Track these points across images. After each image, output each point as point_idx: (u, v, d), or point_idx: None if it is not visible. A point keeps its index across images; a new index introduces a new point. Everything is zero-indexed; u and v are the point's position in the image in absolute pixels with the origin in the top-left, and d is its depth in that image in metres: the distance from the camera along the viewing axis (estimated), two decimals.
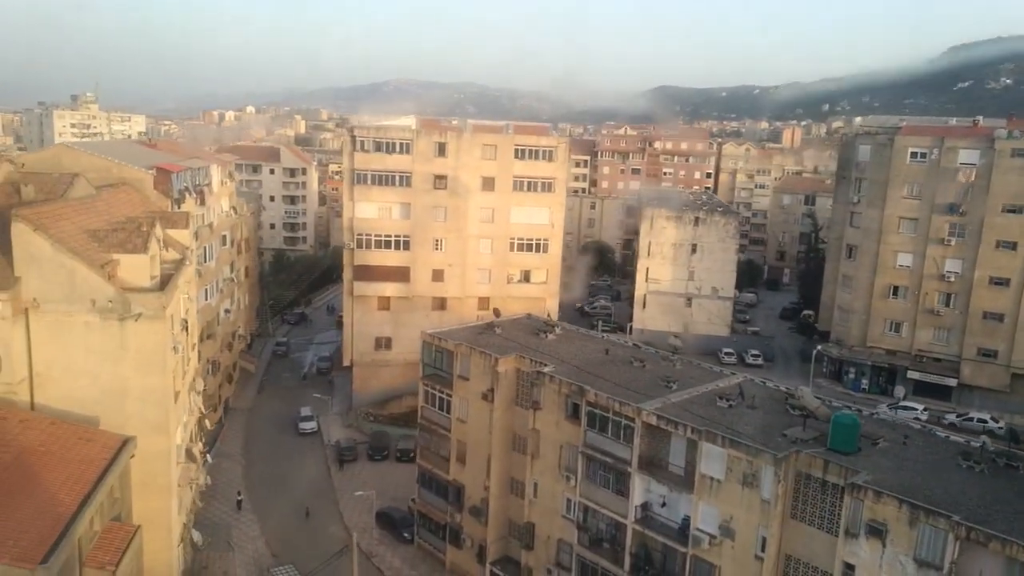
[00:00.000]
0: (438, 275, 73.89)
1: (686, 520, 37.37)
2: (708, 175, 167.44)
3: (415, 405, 74.46)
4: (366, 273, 72.68)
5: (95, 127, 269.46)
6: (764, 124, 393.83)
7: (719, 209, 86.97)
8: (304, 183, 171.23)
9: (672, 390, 41.31)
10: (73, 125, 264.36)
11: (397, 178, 71.20)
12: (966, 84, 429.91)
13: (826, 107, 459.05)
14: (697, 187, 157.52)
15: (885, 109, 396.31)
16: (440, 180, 71.77)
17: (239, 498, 57.48)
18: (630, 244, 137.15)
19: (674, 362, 46.36)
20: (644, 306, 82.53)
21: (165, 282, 37.43)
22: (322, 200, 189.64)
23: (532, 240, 74.62)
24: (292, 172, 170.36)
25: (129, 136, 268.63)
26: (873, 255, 71.24)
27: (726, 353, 77.05)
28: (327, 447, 67.96)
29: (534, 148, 73.24)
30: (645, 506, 39.18)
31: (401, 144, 70.70)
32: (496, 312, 53.84)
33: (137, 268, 36.18)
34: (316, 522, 55.97)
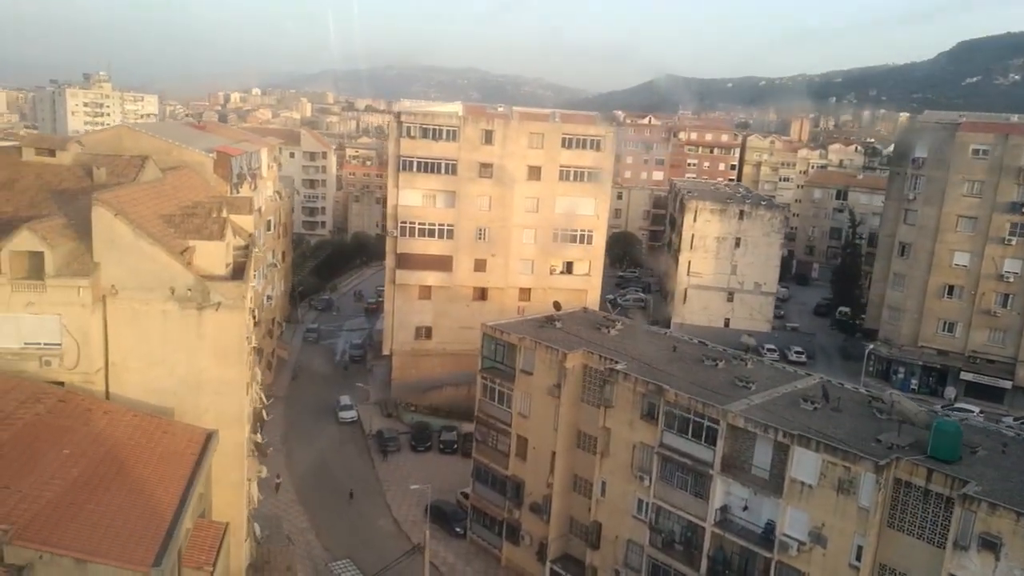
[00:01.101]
0: (480, 265, 72.74)
1: (770, 524, 36.44)
2: (733, 167, 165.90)
3: (456, 396, 74.39)
4: (408, 261, 71.53)
5: (107, 106, 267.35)
6: (772, 115, 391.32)
7: (763, 203, 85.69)
8: (324, 167, 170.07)
9: (751, 391, 40.26)
10: (85, 104, 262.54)
11: (443, 165, 69.90)
12: (974, 79, 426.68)
13: (833, 99, 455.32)
14: (721, 179, 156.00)
15: (892, 103, 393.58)
16: (486, 168, 70.50)
17: (277, 481, 56.68)
18: (656, 235, 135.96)
19: (746, 361, 45.27)
20: (685, 300, 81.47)
21: (237, 270, 36.33)
22: (338, 184, 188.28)
23: (576, 231, 73.39)
24: (312, 156, 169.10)
25: (141, 116, 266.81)
26: (928, 253, 69.99)
27: (768, 349, 75.91)
28: (368, 437, 67.08)
29: (581, 137, 71.89)
30: (725, 509, 38.25)
31: (448, 131, 69.36)
32: (557, 305, 52.74)
33: (213, 255, 34.96)
34: (365, 514, 55.17)
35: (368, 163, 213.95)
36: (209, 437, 30.83)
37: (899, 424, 35.28)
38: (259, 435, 45.34)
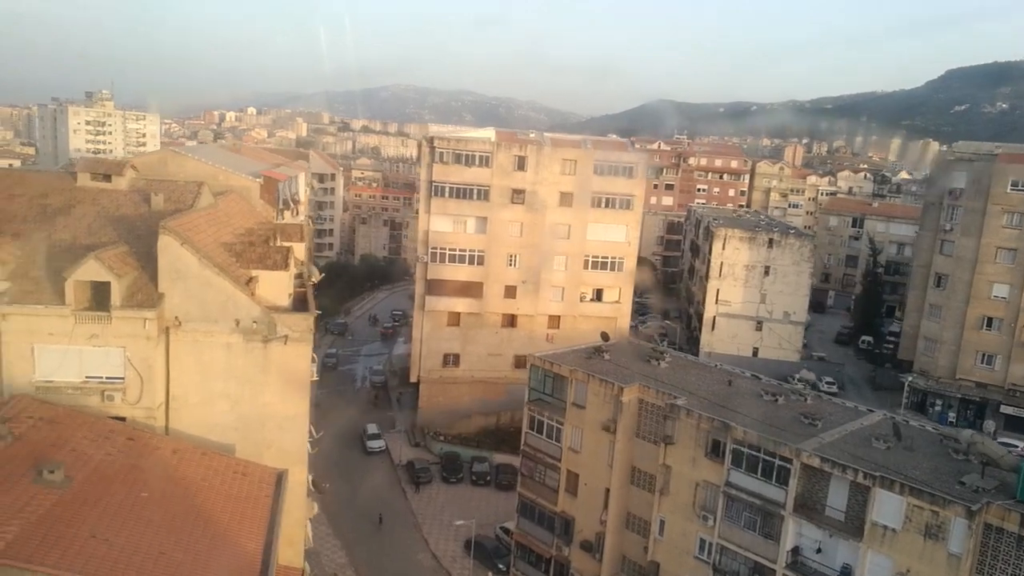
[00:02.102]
0: (510, 291, 71.80)
1: (846, 568, 35.24)
2: (742, 193, 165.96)
3: (485, 425, 73.15)
4: (438, 287, 70.51)
5: (109, 125, 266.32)
6: (766, 141, 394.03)
7: (791, 231, 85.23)
8: (332, 189, 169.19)
9: (818, 428, 39.21)
10: (88, 122, 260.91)
11: (475, 191, 69.15)
12: (963, 107, 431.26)
13: (824, 125, 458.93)
14: (730, 204, 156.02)
15: (882, 129, 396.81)
16: (518, 194, 69.81)
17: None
18: (670, 261, 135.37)
19: (805, 396, 44.25)
20: (713, 328, 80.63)
21: (296, 300, 35.25)
22: (344, 207, 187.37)
23: (608, 258, 72.59)
24: (321, 178, 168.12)
25: (142, 135, 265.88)
26: (966, 284, 69.38)
27: (799, 380, 74.66)
28: (398, 467, 65.58)
29: (614, 164, 71.33)
30: (797, 551, 37.02)
31: (481, 157, 68.69)
32: (605, 336, 51.67)
33: (277, 286, 33.90)
34: (402, 549, 53.63)
35: (374, 184, 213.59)
36: (280, 477, 29.51)
37: (982, 466, 34.25)
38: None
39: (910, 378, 69.50)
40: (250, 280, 32.88)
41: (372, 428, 70.46)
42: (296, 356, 32.86)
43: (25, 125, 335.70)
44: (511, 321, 72.86)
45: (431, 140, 68.71)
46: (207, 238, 33.36)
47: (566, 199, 70.70)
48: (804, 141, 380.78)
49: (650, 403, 43.14)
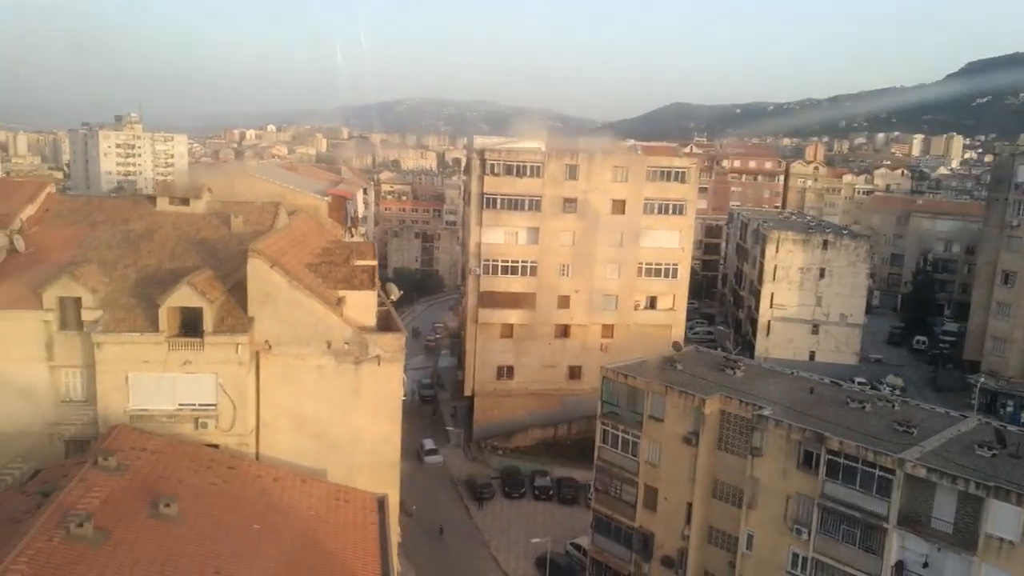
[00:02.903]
0: (564, 301, 70.93)
1: None
2: (777, 194, 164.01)
3: (542, 438, 72.24)
4: (491, 300, 69.80)
5: (139, 148, 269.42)
6: (787, 141, 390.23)
7: (845, 232, 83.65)
8: (367, 203, 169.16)
9: (914, 436, 37.86)
10: (118, 146, 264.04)
11: (527, 202, 68.44)
12: (984, 100, 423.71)
13: (843, 123, 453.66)
14: (765, 206, 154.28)
15: (904, 126, 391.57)
16: (570, 203, 69.00)
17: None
18: (709, 265, 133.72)
19: (893, 403, 42.91)
20: (768, 332, 79.16)
21: (381, 319, 34.61)
22: (375, 220, 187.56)
23: (661, 265, 71.51)
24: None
25: (171, 156, 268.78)
26: None
27: (859, 383, 73.24)
28: (458, 483, 64.76)
29: (666, 169, 70.34)
30: (901, 565, 35.66)
31: (532, 167, 68.01)
32: (677, 346, 50.67)
33: (363, 306, 33.27)
34: (472, 568, 52.79)
35: (403, 197, 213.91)
36: (382, 502, 28.78)
37: None
38: None
39: (981, 379, 67.63)
40: (339, 301, 32.37)
41: (429, 443, 69.76)
42: (388, 377, 32.24)
43: (52, 150, 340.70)
44: (564, 331, 71.97)
45: (482, 152, 68.11)
46: (292, 259, 32.83)
47: (618, 206, 69.78)
48: (824, 139, 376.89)
49: (733, 414, 42.02)
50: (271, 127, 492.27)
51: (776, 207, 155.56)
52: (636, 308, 72.11)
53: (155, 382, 29.73)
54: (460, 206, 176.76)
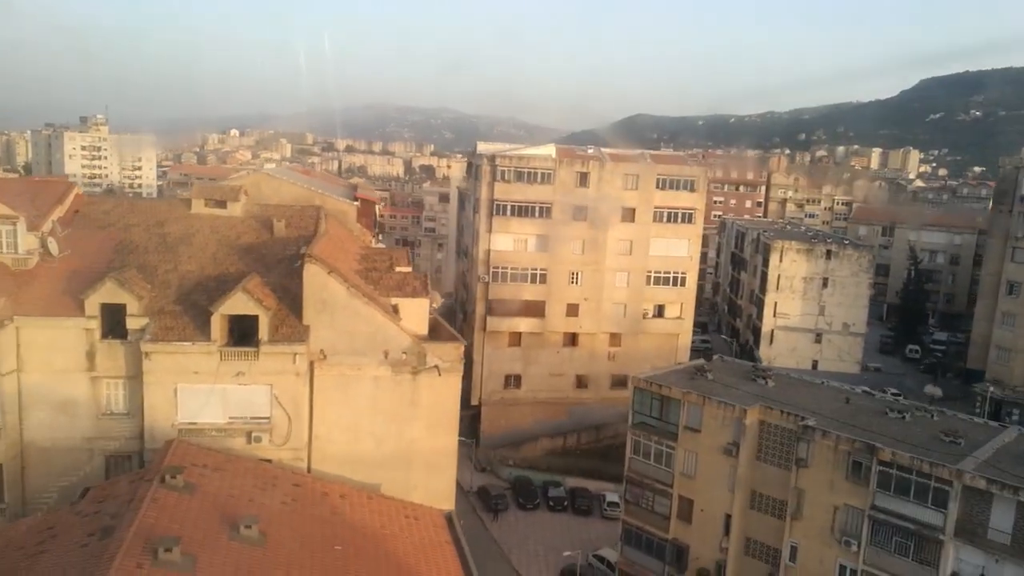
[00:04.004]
0: (572, 310, 70.03)
1: None
2: (759, 204, 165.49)
3: (552, 448, 71.10)
4: (500, 307, 68.62)
5: (104, 150, 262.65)
6: (750, 152, 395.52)
7: (847, 242, 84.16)
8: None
9: (961, 446, 37.61)
10: (83, 147, 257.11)
11: (537, 209, 67.50)
12: (937, 116, 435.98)
13: (803, 136, 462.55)
14: (747, 215, 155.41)
15: (861, 139, 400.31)
16: (580, 211, 68.20)
17: None
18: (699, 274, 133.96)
19: (931, 413, 42.73)
20: (772, 342, 79.26)
21: (433, 328, 33.31)
22: None
23: (670, 273, 71.04)
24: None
25: (139, 159, 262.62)
26: None
27: (864, 391, 73.29)
28: (469, 494, 63.26)
29: (676, 178, 69.95)
30: None
31: (543, 173, 67.09)
32: (707, 355, 50.02)
33: (416, 314, 31.95)
34: None
35: (383, 204, 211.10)
36: (450, 519, 27.54)
37: None
38: None
39: (990, 388, 68.30)
40: (394, 309, 31.02)
41: None
42: (446, 388, 30.99)
43: (4, 151, 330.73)
44: (572, 340, 71.05)
45: (492, 158, 66.97)
46: (342, 266, 31.43)
47: (628, 214, 69.17)
48: (786, 152, 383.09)
49: (773, 424, 41.43)
50: (234, 131, 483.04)
51: (757, 216, 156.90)
52: (644, 317, 71.50)
53: (205, 394, 28.09)
54: (437, 213, 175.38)
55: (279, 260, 32.27)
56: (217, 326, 27.62)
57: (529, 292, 68.75)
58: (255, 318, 27.93)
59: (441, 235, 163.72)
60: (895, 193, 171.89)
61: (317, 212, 35.62)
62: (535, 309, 69.28)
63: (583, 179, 67.83)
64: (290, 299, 29.84)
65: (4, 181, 34.05)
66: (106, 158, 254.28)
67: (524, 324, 69.43)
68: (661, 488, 45.69)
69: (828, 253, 78.43)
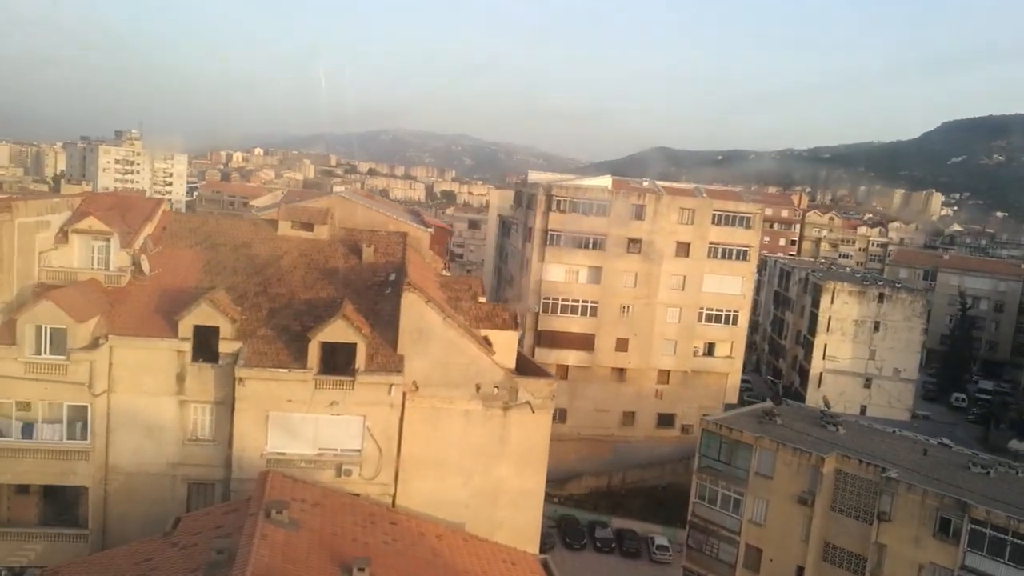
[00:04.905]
0: (622, 344, 68.85)
1: None
2: (793, 242, 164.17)
3: (597, 486, 69.56)
4: (549, 339, 67.59)
5: (138, 164, 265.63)
6: (771, 189, 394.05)
7: (900, 286, 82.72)
8: None
9: None
10: (117, 161, 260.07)
11: (591, 240, 66.75)
12: (959, 159, 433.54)
13: (823, 174, 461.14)
14: (780, 254, 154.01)
15: (881, 179, 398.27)
16: (634, 244, 67.33)
17: None
18: None
19: (1016, 470, 41.16)
20: (820, 384, 77.67)
21: (521, 363, 32.37)
22: None
23: (722, 311, 69.85)
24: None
25: (170, 175, 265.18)
26: None
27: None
28: None
29: (732, 214, 69.07)
30: None
31: (598, 205, 66.44)
32: (776, 399, 48.71)
33: (505, 347, 31.11)
34: None
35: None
36: (546, 565, 26.37)
37: None
38: None
39: None
40: (485, 340, 30.17)
41: None
42: (537, 426, 30.02)
43: (34, 162, 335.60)
44: (620, 376, 69.81)
45: (548, 188, 66.41)
46: (434, 295, 30.66)
47: (682, 249, 68.19)
48: (807, 189, 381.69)
49: (851, 474, 40.00)
50: (258, 150, 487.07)
51: (791, 255, 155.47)
52: (695, 354, 70.24)
53: (297, 423, 27.29)
54: (466, 239, 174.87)
55: (368, 286, 31.62)
56: (313, 353, 26.88)
57: (579, 324, 67.75)
58: (350, 346, 27.18)
59: (469, 262, 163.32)
60: (932, 236, 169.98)
61: (403, 239, 34.96)
62: (584, 342, 68.19)
63: (639, 212, 67.05)
64: (380, 327, 29.10)
65: (94, 196, 33.51)
66: (138, 172, 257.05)
67: (572, 357, 68.31)
68: (727, 535, 44.19)
69: (881, 296, 77.01)
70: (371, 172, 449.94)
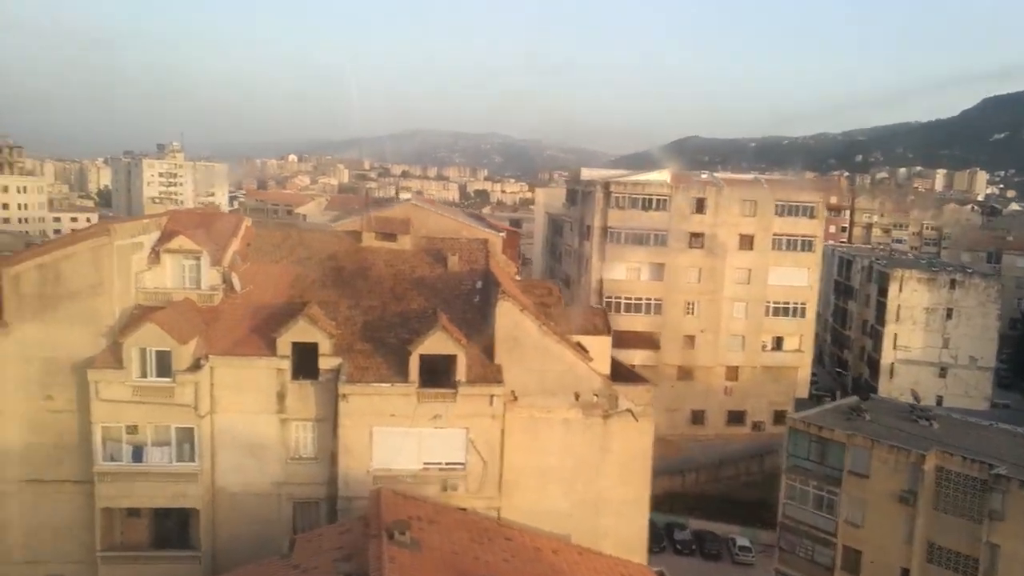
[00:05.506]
0: (689, 342, 67.67)
1: None
2: (843, 229, 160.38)
3: (669, 487, 67.79)
4: (614, 339, 66.06)
5: (180, 176, 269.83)
6: (809, 175, 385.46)
7: (972, 271, 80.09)
8: None
9: None
10: (160, 174, 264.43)
11: (652, 236, 65.61)
12: (1002, 136, 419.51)
13: (859, 157, 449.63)
14: (831, 241, 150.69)
15: (921, 160, 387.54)
16: (696, 238, 66.10)
17: None
18: None
19: None
20: (891, 375, 75.47)
21: (615, 369, 31.55)
22: None
23: (789, 304, 68.20)
24: None
25: (212, 185, 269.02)
26: None
27: None
28: None
29: (795, 204, 67.38)
30: None
31: (658, 200, 65.27)
32: (864, 395, 47.23)
33: (599, 353, 30.43)
34: None
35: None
36: None
37: None
38: None
39: None
40: (579, 347, 29.41)
41: None
42: (639, 433, 29.15)
43: (77, 178, 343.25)
44: (687, 373, 68.56)
45: (607, 185, 65.47)
46: (524, 300, 29.98)
47: (746, 242, 66.76)
48: (845, 174, 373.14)
49: (954, 472, 38.39)
50: (292, 157, 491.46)
51: (843, 242, 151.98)
52: (763, 349, 68.68)
53: (401, 438, 26.79)
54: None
55: (456, 295, 31.07)
56: (415, 366, 26.36)
57: (643, 323, 66.69)
58: (450, 358, 26.62)
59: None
60: (988, 217, 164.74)
61: (484, 245, 34.34)
62: (649, 341, 67.10)
63: (699, 205, 65.78)
64: (474, 336, 28.47)
65: (178, 214, 33.47)
66: (182, 184, 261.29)
67: (638, 356, 67.05)
68: (822, 537, 42.83)
69: (952, 282, 74.51)
70: (404, 174, 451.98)
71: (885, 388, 76.00)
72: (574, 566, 23.93)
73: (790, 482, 44.25)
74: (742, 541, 57.38)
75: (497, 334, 27.61)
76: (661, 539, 59.39)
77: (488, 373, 27.27)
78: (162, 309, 26.50)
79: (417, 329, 27.82)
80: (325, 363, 26.83)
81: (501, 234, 42.41)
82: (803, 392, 71.01)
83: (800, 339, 69.53)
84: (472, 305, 30.43)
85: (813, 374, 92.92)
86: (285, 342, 26.64)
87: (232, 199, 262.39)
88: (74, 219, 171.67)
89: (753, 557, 55.98)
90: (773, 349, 69.04)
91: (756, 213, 66.63)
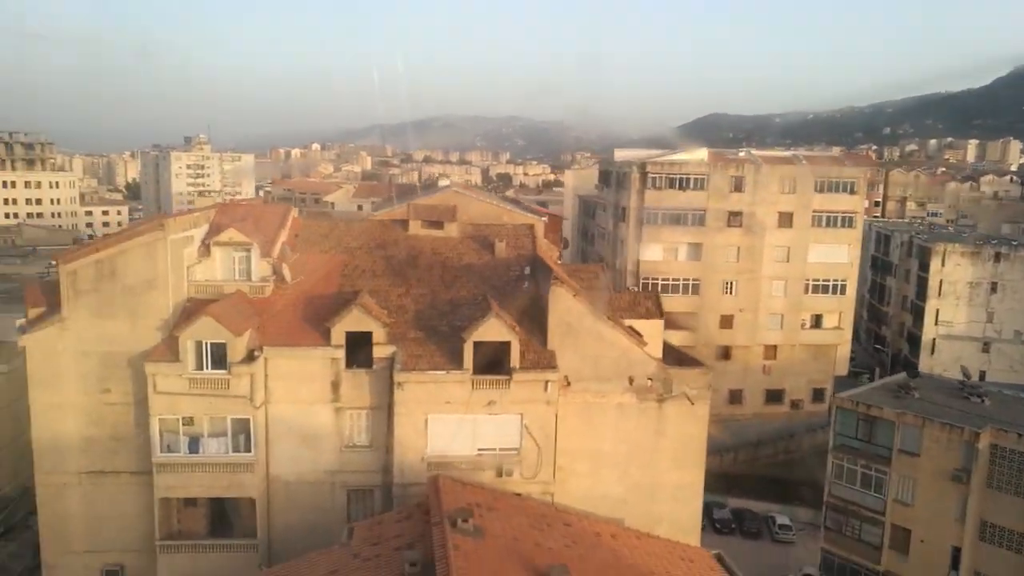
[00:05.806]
0: (726, 321, 66.96)
1: None
2: (876, 203, 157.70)
3: (709, 466, 66.83)
4: None
5: (207, 168, 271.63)
6: (836, 150, 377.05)
7: (1017, 244, 78.29)
8: None
9: None
10: (188, 166, 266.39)
11: (689, 216, 64.87)
12: None
13: (887, 130, 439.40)
14: (865, 216, 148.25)
15: (952, 131, 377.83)
16: (734, 217, 65.17)
17: None
18: None
19: None
20: (932, 351, 74.30)
21: (667, 352, 31.31)
22: None
23: (829, 281, 67.17)
24: None
25: (241, 177, 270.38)
26: None
27: None
28: None
29: (835, 180, 66.18)
30: None
31: (695, 179, 64.46)
32: (914, 372, 46.52)
33: (651, 337, 30.18)
34: None
35: None
36: (721, 559, 25.36)
37: None
38: None
39: None
40: (632, 331, 29.17)
41: None
42: (694, 418, 29.07)
43: (106, 172, 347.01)
44: (725, 353, 67.91)
45: (643, 165, 64.71)
46: (574, 286, 29.73)
47: (785, 219, 65.72)
48: (873, 147, 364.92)
49: (1010, 449, 37.71)
50: (315, 145, 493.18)
51: (876, 216, 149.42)
52: (802, 327, 67.83)
53: (456, 425, 26.85)
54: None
55: (505, 281, 30.96)
56: (469, 353, 26.33)
57: (681, 303, 65.88)
58: (503, 345, 26.54)
59: None
60: None
61: (531, 231, 34.15)
62: (687, 321, 66.39)
63: (737, 184, 64.81)
64: (525, 322, 28.33)
65: (225, 207, 33.61)
66: (209, 175, 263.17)
67: (675, 337, 66.25)
68: (870, 516, 42.39)
69: (997, 255, 72.88)
70: (427, 160, 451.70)
71: (926, 364, 74.76)
72: (634, 550, 23.88)
73: (837, 461, 43.79)
74: (782, 519, 57.11)
75: (550, 320, 27.47)
76: (700, 518, 59.28)
77: (542, 359, 27.18)
78: (216, 302, 26.69)
79: (468, 316, 27.81)
80: (379, 351, 26.90)
81: (543, 218, 42.08)
82: (842, 370, 70.12)
83: (840, 316, 68.52)
84: (521, 291, 30.28)
85: (851, 351, 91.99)
86: (339, 331, 26.73)
87: (259, 188, 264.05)
88: (105, 212, 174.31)
89: (793, 535, 55.72)
90: (812, 327, 68.11)
91: (795, 190, 65.50)
